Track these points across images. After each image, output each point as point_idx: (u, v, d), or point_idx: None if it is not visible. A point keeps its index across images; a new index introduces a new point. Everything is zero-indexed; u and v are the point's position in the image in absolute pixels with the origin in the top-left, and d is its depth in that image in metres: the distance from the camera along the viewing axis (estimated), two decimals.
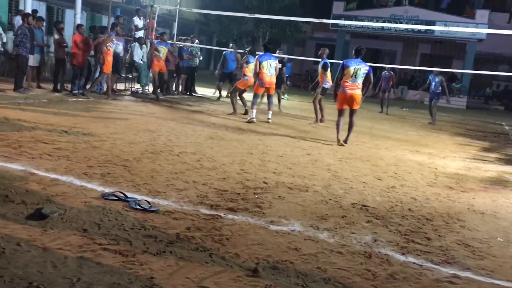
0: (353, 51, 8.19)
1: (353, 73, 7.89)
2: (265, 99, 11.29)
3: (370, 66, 8.17)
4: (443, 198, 5.17)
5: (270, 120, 10.18)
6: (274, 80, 10.29)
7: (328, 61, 10.93)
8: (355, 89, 7.98)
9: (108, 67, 11.34)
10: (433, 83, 13.80)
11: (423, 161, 7.35)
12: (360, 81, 7.98)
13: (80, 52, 11.36)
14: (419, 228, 4.01)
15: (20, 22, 11.81)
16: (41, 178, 4.26)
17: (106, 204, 3.76)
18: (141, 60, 13.38)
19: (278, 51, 14.56)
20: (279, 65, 12.80)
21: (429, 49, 29.49)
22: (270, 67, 10.02)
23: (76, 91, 11.36)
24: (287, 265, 2.99)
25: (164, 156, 5.70)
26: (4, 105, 8.42)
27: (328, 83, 10.96)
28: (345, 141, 8.13)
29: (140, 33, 14.45)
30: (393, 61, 29.17)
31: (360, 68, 7.91)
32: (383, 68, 16.98)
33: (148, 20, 14.74)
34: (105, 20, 18.52)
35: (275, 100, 11.89)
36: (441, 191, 5.48)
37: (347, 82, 7.95)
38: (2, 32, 10.22)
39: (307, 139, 8.41)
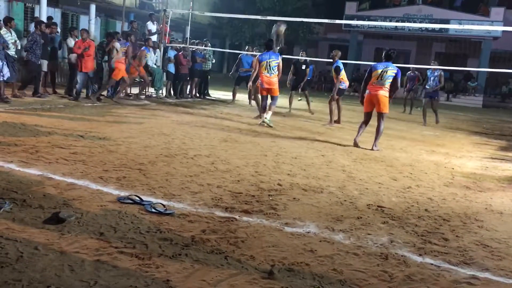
0: (383, 55, 8.00)
1: (380, 75, 7.73)
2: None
3: (399, 70, 7.86)
4: (460, 198, 5.11)
5: (266, 121, 9.43)
6: (274, 80, 9.56)
7: (341, 62, 10.84)
8: (379, 90, 7.75)
9: (117, 75, 11.47)
10: (432, 78, 12.46)
11: (439, 161, 7.27)
12: (386, 83, 7.73)
13: (83, 57, 11.06)
14: (436, 229, 3.97)
15: None
16: (58, 182, 4.31)
17: (122, 207, 3.79)
18: (155, 64, 13.48)
19: (301, 53, 14.19)
20: (303, 66, 12.78)
21: (443, 48, 29.21)
22: (270, 67, 9.47)
23: (72, 97, 11.18)
24: (302, 267, 2.98)
25: (178, 159, 5.72)
26: (21, 111, 8.54)
27: (344, 83, 10.81)
28: (372, 147, 7.80)
29: (154, 38, 14.56)
30: (407, 60, 28.95)
31: (387, 70, 7.72)
32: (407, 69, 16.80)
33: (161, 25, 14.85)
34: (119, 26, 18.73)
35: (302, 102, 11.68)
36: (458, 191, 5.42)
37: (372, 84, 7.83)
38: (17, 39, 10.36)
39: (321, 140, 8.38)
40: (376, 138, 7.89)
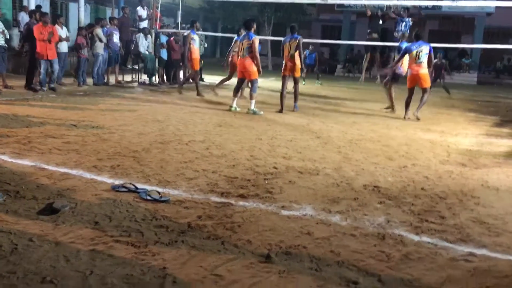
0: (413, 36, 9.37)
1: (416, 55, 8.99)
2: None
3: (431, 46, 9.13)
4: (456, 175, 5.11)
5: (237, 109, 9.09)
6: (247, 61, 8.88)
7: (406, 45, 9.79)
8: (420, 69, 9.05)
9: (196, 65, 11.32)
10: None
11: (435, 139, 7.26)
12: (424, 60, 9.00)
13: (44, 44, 10.13)
14: (432, 207, 3.96)
15: (25, 18, 11.84)
16: (51, 172, 4.27)
17: (116, 196, 3.76)
18: (147, 50, 13.36)
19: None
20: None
21: (437, 25, 29.00)
22: (243, 49, 8.91)
23: (44, 88, 10.27)
24: (300, 250, 2.97)
25: (173, 145, 5.68)
26: (12, 101, 8.46)
27: (401, 68, 9.96)
28: (417, 115, 9.18)
29: (144, 23, 14.40)
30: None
31: (422, 49, 8.98)
32: (391, 48, 16.39)
33: (152, 10, 14.67)
34: (109, 12, 18.50)
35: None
36: (454, 168, 5.41)
37: (412, 64, 9.07)
38: (4, 28, 10.20)
39: (316, 122, 8.35)
40: (419, 107, 9.31)
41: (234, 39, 10.93)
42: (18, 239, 2.87)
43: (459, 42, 25.82)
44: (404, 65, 9.79)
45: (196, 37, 11.43)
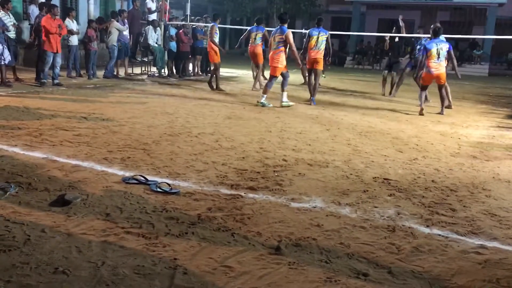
0: (431, 32, 8.92)
1: (436, 53, 8.64)
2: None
3: (450, 43, 8.88)
4: (467, 168, 5.07)
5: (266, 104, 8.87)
6: (276, 55, 8.81)
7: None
8: (440, 68, 8.72)
9: (216, 58, 11.11)
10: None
11: (446, 131, 7.21)
12: (443, 58, 8.70)
13: (54, 36, 10.01)
14: (443, 200, 3.95)
15: (35, 11, 11.87)
16: (62, 165, 4.31)
17: (127, 188, 3.79)
18: (156, 43, 13.36)
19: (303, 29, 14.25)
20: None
21: (448, 17, 28.65)
22: (274, 42, 8.87)
23: (45, 80, 9.99)
24: (309, 242, 2.97)
25: (182, 138, 5.70)
26: (23, 94, 8.52)
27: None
28: (441, 112, 9.06)
29: (153, 16, 14.40)
30: (411, 30, 28.53)
31: (442, 47, 8.66)
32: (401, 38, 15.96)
33: (161, 3, 14.65)
34: (119, 5, 18.51)
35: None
36: (464, 161, 5.38)
37: (431, 63, 8.68)
38: (15, 21, 10.23)
39: (325, 115, 8.32)
40: (443, 104, 9.16)
41: (248, 29, 11.19)
42: (31, 230, 2.90)
43: (471, 33, 25.57)
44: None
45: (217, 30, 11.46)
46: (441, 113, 9.02)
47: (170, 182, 3.95)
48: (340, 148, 5.69)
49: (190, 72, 14.66)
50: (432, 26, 9.08)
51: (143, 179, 3.96)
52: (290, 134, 6.31)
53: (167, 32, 13.95)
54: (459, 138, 6.72)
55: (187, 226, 3.11)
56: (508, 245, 3.11)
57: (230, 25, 26.34)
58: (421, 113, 8.79)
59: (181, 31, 13.63)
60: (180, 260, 2.64)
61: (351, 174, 4.57)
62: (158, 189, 3.75)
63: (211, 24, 11.32)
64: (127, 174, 4.14)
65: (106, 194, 3.62)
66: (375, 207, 3.68)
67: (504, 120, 8.90)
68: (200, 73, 14.94)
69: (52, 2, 12.32)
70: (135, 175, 4.04)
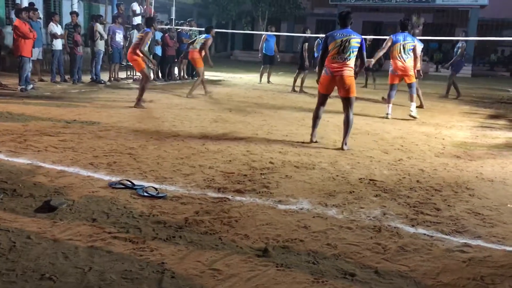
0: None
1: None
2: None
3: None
4: (451, 167, 5.14)
5: (412, 114, 8.53)
6: (409, 65, 8.41)
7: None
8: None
9: (198, 63, 11.00)
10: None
11: (430, 132, 7.30)
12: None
13: (26, 41, 9.70)
14: (428, 199, 4.00)
15: None
16: (47, 170, 4.28)
17: (113, 193, 3.77)
18: None
19: (269, 28, 14.96)
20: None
21: (431, 19, 29.03)
22: (404, 50, 8.37)
23: (24, 86, 9.68)
24: (297, 244, 2.99)
25: (169, 142, 5.69)
26: (7, 100, 8.42)
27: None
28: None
29: (138, 20, 14.35)
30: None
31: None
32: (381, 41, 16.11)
33: (145, 7, 14.61)
34: (103, 9, 18.39)
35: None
36: (449, 161, 5.45)
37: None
38: None
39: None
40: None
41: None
42: (16, 237, 2.88)
43: (453, 35, 25.86)
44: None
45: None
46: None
47: (157, 186, 3.94)
48: (326, 150, 5.73)
49: (176, 76, 14.63)
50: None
51: (129, 183, 3.94)
52: (276, 137, 6.33)
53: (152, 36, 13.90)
54: (443, 139, 6.81)
55: (175, 230, 3.11)
56: (492, 243, 3.16)
57: (216, 28, 26.29)
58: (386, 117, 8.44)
59: (166, 35, 13.59)
60: (168, 264, 2.64)
61: (337, 175, 4.61)
62: (145, 194, 3.74)
63: (205, 36, 11.17)
64: (114, 179, 4.12)
65: (92, 199, 3.61)
66: (361, 207, 3.72)
67: (487, 120, 9.02)
68: (186, 77, 14.91)
69: (35, 6, 12.22)
70: (122, 180, 4.02)
